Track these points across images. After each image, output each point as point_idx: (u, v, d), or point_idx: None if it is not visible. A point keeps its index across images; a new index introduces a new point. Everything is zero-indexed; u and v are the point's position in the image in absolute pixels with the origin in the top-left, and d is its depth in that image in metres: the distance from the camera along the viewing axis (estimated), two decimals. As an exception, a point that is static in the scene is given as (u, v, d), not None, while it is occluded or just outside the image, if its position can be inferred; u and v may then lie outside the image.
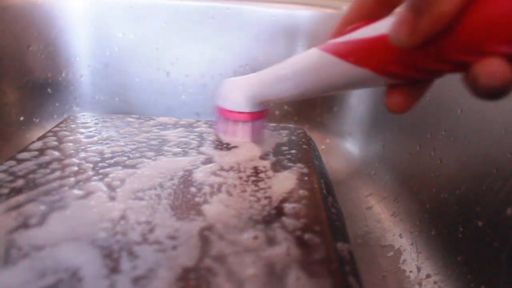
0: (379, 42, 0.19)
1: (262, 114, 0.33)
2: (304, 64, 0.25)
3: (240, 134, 0.33)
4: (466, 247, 0.32)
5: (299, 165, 0.29)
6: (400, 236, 0.39)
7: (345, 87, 0.23)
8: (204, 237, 0.21)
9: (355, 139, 0.53)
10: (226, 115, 0.32)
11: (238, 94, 0.31)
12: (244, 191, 0.25)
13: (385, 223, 0.41)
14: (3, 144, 0.49)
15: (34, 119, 0.53)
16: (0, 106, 0.49)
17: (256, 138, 0.33)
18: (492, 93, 0.15)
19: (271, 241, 0.21)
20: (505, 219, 0.28)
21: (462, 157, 0.34)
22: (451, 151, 0.35)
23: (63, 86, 0.55)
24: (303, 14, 0.54)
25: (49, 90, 0.54)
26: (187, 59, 0.57)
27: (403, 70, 0.19)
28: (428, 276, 0.34)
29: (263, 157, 0.31)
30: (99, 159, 0.29)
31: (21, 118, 0.51)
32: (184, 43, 0.56)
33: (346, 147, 0.52)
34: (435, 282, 0.33)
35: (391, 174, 0.45)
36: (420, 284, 0.34)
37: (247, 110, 0.32)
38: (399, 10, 0.17)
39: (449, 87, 0.37)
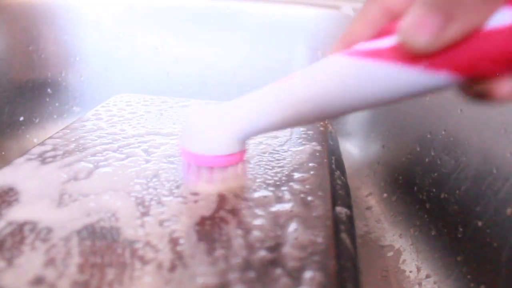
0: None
1: (245, 151, 0.26)
2: (334, 80, 0.19)
3: (226, 180, 0.25)
4: (466, 247, 0.32)
5: (313, 143, 0.32)
6: (400, 236, 0.39)
7: (393, 99, 0.18)
8: (222, 195, 0.25)
9: (355, 139, 0.53)
10: (204, 161, 0.24)
11: (219, 131, 0.24)
12: (261, 161, 0.29)
13: (385, 223, 0.41)
14: (3, 144, 0.49)
15: (34, 119, 0.53)
16: (0, 106, 0.49)
17: (243, 181, 0.27)
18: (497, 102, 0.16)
19: (278, 200, 0.24)
20: (505, 219, 0.28)
21: (462, 157, 0.34)
22: (451, 151, 0.35)
23: (63, 86, 0.55)
24: (303, 14, 0.54)
25: (49, 90, 0.54)
26: (187, 59, 0.57)
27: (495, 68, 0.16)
28: (428, 276, 0.34)
29: (282, 135, 0.34)
30: (137, 131, 0.33)
31: (21, 118, 0.51)
32: (184, 43, 0.56)
33: (346, 147, 0.52)
34: (435, 282, 0.33)
35: (391, 174, 0.45)
36: (420, 284, 0.34)
37: (234, 150, 0.24)
38: (417, 7, 0.16)
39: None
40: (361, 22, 0.19)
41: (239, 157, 0.25)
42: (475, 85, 0.16)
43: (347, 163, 0.38)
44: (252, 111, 0.23)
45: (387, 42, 0.17)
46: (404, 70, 0.17)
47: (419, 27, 0.15)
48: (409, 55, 0.16)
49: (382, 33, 0.18)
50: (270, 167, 0.28)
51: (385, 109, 0.48)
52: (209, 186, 0.25)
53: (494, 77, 0.16)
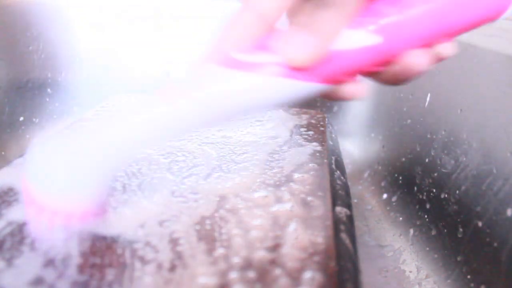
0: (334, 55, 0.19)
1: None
2: (213, 89, 0.19)
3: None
4: (466, 247, 0.32)
5: (314, 143, 0.33)
6: (400, 236, 0.39)
7: (264, 105, 0.20)
8: (222, 194, 0.25)
9: (355, 139, 0.53)
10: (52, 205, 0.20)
11: (84, 175, 0.19)
12: (261, 161, 0.29)
13: (385, 223, 0.41)
14: (3, 144, 0.49)
15: (34, 119, 0.53)
16: (0, 106, 0.49)
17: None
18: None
19: (278, 200, 0.24)
20: (505, 219, 0.28)
21: (462, 157, 0.34)
22: (451, 151, 0.35)
23: (63, 86, 0.55)
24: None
25: (49, 90, 0.54)
26: (187, 59, 0.57)
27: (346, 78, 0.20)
28: (427, 276, 0.34)
29: (282, 136, 0.34)
30: None
31: (21, 118, 0.51)
32: (184, 43, 0.56)
33: (346, 147, 0.52)
34: (434, 282, 0.33)
35: (391, 174, 0.45)
36: (420, 284, 0.34)
37: (94, 199, 0.20)
38: (291, 33, 0.19)
39: (449, 87, 0.37)
40: (236, 30, 0.20)
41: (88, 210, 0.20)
42: (332, 91, 0.20)
43: (347, 163, 0.38)
44: (116, 142, 0.19)
45: (269, 57, 0.19)
46: (284, 81, 0.19)
47: (293, 46, 0.18)
48: (291, 70, 0.19)
49: (260, 46, 0.19)
50: (270, 167, 0.28)
51: (385, 109, 0.48)
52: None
53: (342, 84, 0.20)
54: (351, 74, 0.20)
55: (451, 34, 0.21)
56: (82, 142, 0.19)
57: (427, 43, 0.20)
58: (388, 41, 0.19)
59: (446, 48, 0.21)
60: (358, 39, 0.19)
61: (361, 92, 0.21)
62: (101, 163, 0.19)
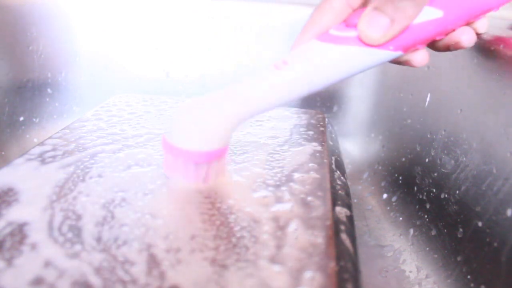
0: (414, 29, 0.23)
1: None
2: (317, 59, 0.24)
3: (210, 176, 0.25)
4: (466, 247, 0.32)
5: (313, 143, 0.33)
6: (400, 236, 0.39)
7: (358, 72, 0.25)
8: (221, 195, 0.25)
9: (355, 139, 0.53)
10: (196, 155, 0.24)
11: (210, 123, 0.24)
12: (261, 161, 0.29)
13: (385, 223, 0.41)
14: (3, 144, 0.49)
15: (34, 119, 0.53)
16: (0, 106, 0.49)
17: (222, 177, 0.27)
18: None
19: (278, 200, 0.25)
20: (505, 219, 0.28)
21: (462, 157, 0.34)
22: (451, 151, 0.35)
23: (63, 86, 0.55)
24: (303, 14, 0.54)
25: (49, 90, 0.54)
26: (187, 59, 0.57)
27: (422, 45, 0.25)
28: (427, 276, 0.34)
29: (282, 136, 0.34)
30: (137, 131, 0.33)
31: (21, 118, 0.51)
32: (184, 43, 0.56)
33: (346, 147, 0.52)
34: (434, 282, 0.33)
35: (391, 174, 0.45)
36: (419, 284, 0.34)
37: (220, 143, 0.24)
38: (370, 11, 0.23)
39: (449, 87, 0.37)
40: (326, 14, 0.25)
41: (222, 152, 0.25)
42: (403, 57, 0.25)
43: (347, 163, 0.38)
44: (243, 100, 0.24)
45: (354, 33, 0.24)
46: (366, 50, 0.23)
47: (373, 26, 0.22)
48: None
49: (347, 23, 0.24)
50: (270, 167, 0.28)
51: (385, 109, 0.48)
52: (193, 182, 0.25)
53: (411, 51, 0.25)
54: (419, 43, 0.24)
55: (487, 10, 0.25)
56: (210, 102, 0.24)
57: (472, 19, 0.25)
58: (447, 14, 0.23)
59: (483, 24, 0.26)
60: (424, 13, 0.23)
61: (426, 59, 0.25)
62: (226, 119, 0.24)
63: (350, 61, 0.24)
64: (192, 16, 0.56)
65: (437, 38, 0.25)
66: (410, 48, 0.24)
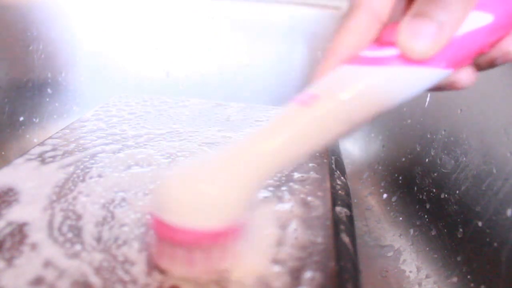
0: (465, 39, 0.19)
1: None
2: (355, 87, 0.19)
3: (222, 260, 0.19)
4: (466, 247, 0.32)
5: None
6: (400, 236, 0.39)
7: (405, 99, 0.20)
8: None
9: (355, 139, 0.53)
10: (191, 238, 0.17)
11: (222, 187, 0.17)
12: None
13: (385, 223, 0.41)
14: (3, 144, 0.49)
15: (34, 119, 0.53)
16: (0, 106, 0.49)
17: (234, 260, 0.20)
18: None
19: (278, 200, 0.24)
20: (505, 219, 0.28)
21: (462, 157, 0.34)
22: (451, 151, 0.35)
23: (63, 86, 0.55)
24: (303, 14, 0.54)
25: (49, 90, 0.54)
26: (187, 59, 0.57)
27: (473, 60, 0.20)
28: (427, 276, 0.34)
29: None
30: (137, 131, 0.33)
31: (21, 118, 0.51)
32: (184, 43, 0.56)
33: (346, 147, 0.52)
34: (434, 282, 0.33)
35: (391, 174, 0.45)
36: (420, 284, 0.34)
37: (238, 215, 0.18)
38: (409, 19, 0.18)
39: (449, 87, 0.37)
40: (353, 33, 0.20)
41: (235, 230, 0.18)
42: (450, 77, 0.20)
43: (347, 163, 0.38)
44: (266, 154, 0.18)
45: (392, 51, 0.19)
46: (413, 70, 0.18)
47: (416, 36, 0.18)
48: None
49: (380, 42, 0.19)
50: None
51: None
52: (186, 271, 0.18)
53: (460, 68, 0.20)
54: (468, 57, 0.19)
55: None
56: (222, 165, 0.18)
57: None
58: (498, 18, 0.19)
59: None
60: (472, 19, 0.18)
61: (473, 77, 0.21)
62: (243, 186, 0.18)
63: (394, 85, 0.19)
64: (192, 16, 0.56)
65: (486, 50, 0.20)
66: (460, 64, 0.19)
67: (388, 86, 0.19)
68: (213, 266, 0.19)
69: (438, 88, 0.21)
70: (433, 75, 0.19)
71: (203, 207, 0.17)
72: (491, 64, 0.21)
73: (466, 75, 0.20)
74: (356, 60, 0.19)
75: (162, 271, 0.18)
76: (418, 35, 0.18)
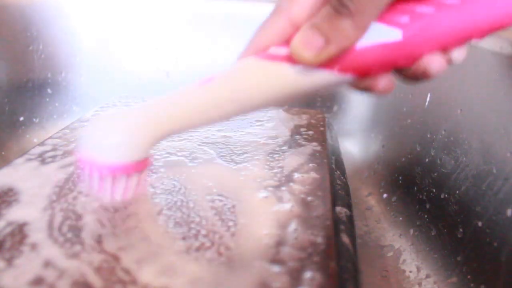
0: (368, 51, 0.21)
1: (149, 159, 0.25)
2: (254, 80, 0.22)
3: (130, 190, 0.24)
4: (466, 247, 0.32)
5: (313, 143, 0.33)
6: (400, 236, 0.39)
7: (302, 93, 0.22)
8: (222, 195, 0.25)
9: (355, 139, 0.53)
10: (112, 168, 0.22)
11: (131, 132, 0.22)
12: (261, 160, 0.29)
13: (385, 223, 0.41)
14: (3, 144, 0.49)
15: (34, 119, 0.53)
16: (0, 106, 0.49)
17: (144, 191, 0.25)
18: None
19: (278, 200, 0.24)
20: (505, 219, 0.28)
21: (462, 157, 0.34)
22: (451, 151, 0.35)
23: (63, 86, 0.55)
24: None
25: (49, 90, 0.54)
26: (187, 59, 0.57)
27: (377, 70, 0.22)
28: (427, 276, 0.34)
29: (282, 136, 0.34)
30: None
31: (21, 118, 0.51)
32: (184, 43, 0.56)
33: (346, 147, 0.52)
34: (434, 282, 0.33)
35: (391, 174, 0.45)
36: (420, 284, 0.34)
37: (140, 155, 0.23)
38: (305, 28, 0.20)
39: (449, 87, 0.37)
40: (269, 31, 0.22)
41: (143, 164, 0.23)
42: (360, 82, 0.22)
43: (347, 163, 0.38)
44: (170, 112, 0.23)
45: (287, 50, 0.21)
46: (303, 70, 0.21)
47: (305, 45, 0.20)
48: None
49: (287, 42, 0.21)
50: (270, 167, 0.28)
51: (385, 109, 0.48)
52: (109, 196, 0.23)
53: (373, 76, 0.22)
54: (374, 68, 0.21)
55: (465, 39, 0.21)
56: (133, 113, 0.23)
57: (445, 47, 0.21)
58: (407, 38, 0.20)
59: (460, 54, 0.22)
60: (377, 34, 0.20)
61: (390, 86, 0.22)
62: (165, 127, 0.23)
63: (282, 80, 0.22)
64: (192, 16, 0.56)
65: (401, 64, 0.21)
66: (364, 73, 0.21)
67: (276, 79, 0.22)
68: (130, 193, 0.24)
69: (356, 88, 0.23)
70: (328, 77, 0.21)
71: (113, 146, 0.22)
72: (415, 78, 0.22)
73: (382, 83, 0.22)
74: (260, 54, 0.22)
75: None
76: (307, 45, 0.20)
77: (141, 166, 0.23)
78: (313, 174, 0.28)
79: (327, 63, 0.21)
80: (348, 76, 0.21)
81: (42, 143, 0.30)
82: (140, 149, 0.23)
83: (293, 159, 0.30)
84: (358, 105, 0.53)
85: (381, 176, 0.46)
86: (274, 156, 0.30)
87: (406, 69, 0.22)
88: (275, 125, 0.36)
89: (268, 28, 0.22)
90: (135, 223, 0.22)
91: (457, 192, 0.34)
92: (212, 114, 0.22)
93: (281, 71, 0.21)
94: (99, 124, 0.23)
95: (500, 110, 0.30)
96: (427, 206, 0.37)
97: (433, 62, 0.21)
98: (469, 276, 0.30)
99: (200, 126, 0.24)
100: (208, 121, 0.23)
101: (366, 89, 0.22)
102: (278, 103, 0.23)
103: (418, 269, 0.35)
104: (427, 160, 0.38)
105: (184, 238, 0.21)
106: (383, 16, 0.20)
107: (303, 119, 0.38)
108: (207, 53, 0.56)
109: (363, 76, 0.22)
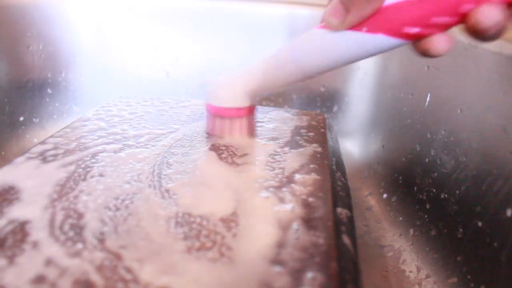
0: (393, 8, 0.23)
1: (254, 107, 0.34)
2: (309, 44, 0.27)
3: (238, 131, 0.33)
4: (466, 247, 0.32)
5: (314, 145, 0.33)
6: (400, 236, 0.39)
7: (354, 58, 0.26)
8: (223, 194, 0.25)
9: (355, 139, 0.53)
10: (223, 113, 0.32)
11: (235, 89, 0.31)
12: (262, 162, 0.29)
13: (385, 223, 0.41)
14: (3, 144, 0.49)
15: (34, 119, 0.53)
16: (0, 106, 0.49)
17: (252, 133, 0.33)
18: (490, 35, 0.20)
19: (280, 201, 0.25)
20: (505, 219, 0.28)
21: (462, 157, 0.34)
22: (451, 151, 0.35)
23: (63, 86, 0.55)
24: (303, 14, 0.54)
25: (49, 90, 0.54)
26: (187, 59, 0.57)
27: (419, 29, 0.23)
28: (427, 276, 0.34)
29: (283, 137, 0.34)
30: (138, 131, 0.34)
31: (21, 118, 0.51)
32: (184, 43, 0.56)
33: (346, 147, 0.52)
34: (434, 282, 0.33)
35: (391, 174, 0.45)
36: (420, 284, 0.34)
37: (245, 105, 0.32)
38: (332, 3, 0.25)
39: (449, 87, 0.37)
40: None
41: (252, 109, 0.32)
42: (416, 45, 0.23)
43: (347, 163, 0.38)
44: (260, 73, 0.31)
45: None
46: (348, 34, 0.25)
47: (330, 15, 0.25)
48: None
49: None
50: (271, 168, 0.28)
51: (385, 109, 0.49)
52: (223, 134, 0.32)
53: (427, 37, 0.23)
54: (411, 25, 0.23)
55: None
56: (243, 74, 0.32)
57: None
58: None
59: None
60: None
61: (445, 45, 0.22)
62: (258, 84, 0.31)
63: (333, 44, 0.26)
64: (192, 16, 0.56)
65: (439, 17, 0.22)
66: (395, 32, 0.23)
67: (329, 44, 0.26)
68: (241, 131, 0.33)
69: (418, 53, 0.24)
70: (369, 40, 0.24)
71: (230, 96, 0.32)
72: (425, 54, 0.24)
73: (435, 43, 0.23)
74: (322, 25, 0.27)
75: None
76: (332, 15, 0.25)
77: (250, 110, 0.32)
78: (314, 175, 0.28)
79: (356, 27, 0.24)
80: (382, 37, 0.24)
81: (43, 142, 0.30)
82: (248, 98, 0.31)
83: (294, 160, 0.30)
84: (358, 105, 0.53)
85: (381, 176, 0.46)
86: (275, 157, 0.30)
87: (418, 43, 0.23)
88: (276, 126, 0.36)
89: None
90: (136, 221, 0.22)
91: (457, 192, 0.34)
92: (286, 75, 0.29)
93: (329, 36, 0.26)
94: (220, 82, 0.32)
95: (500, 110, 0.30)
96: (427, 206, 0.37)
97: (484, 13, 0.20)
98: (469, 276, 0.31)
99: (283, 84, 0.30)
100: (287, 80, 0.29)
101: (424, 53, 0.23)
102: (336, 65, 0.27)
103: (418, 269, 0.35)
104: (427, 160, 0.38)
105: (185, 238, 0.21)
106: None
107: (304, 121, 0.38)
108: (207, 53, 0.56)
109: (398, 37, 0.24)
